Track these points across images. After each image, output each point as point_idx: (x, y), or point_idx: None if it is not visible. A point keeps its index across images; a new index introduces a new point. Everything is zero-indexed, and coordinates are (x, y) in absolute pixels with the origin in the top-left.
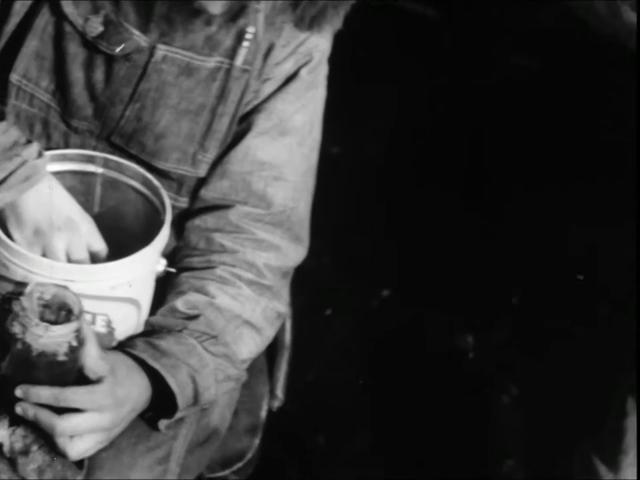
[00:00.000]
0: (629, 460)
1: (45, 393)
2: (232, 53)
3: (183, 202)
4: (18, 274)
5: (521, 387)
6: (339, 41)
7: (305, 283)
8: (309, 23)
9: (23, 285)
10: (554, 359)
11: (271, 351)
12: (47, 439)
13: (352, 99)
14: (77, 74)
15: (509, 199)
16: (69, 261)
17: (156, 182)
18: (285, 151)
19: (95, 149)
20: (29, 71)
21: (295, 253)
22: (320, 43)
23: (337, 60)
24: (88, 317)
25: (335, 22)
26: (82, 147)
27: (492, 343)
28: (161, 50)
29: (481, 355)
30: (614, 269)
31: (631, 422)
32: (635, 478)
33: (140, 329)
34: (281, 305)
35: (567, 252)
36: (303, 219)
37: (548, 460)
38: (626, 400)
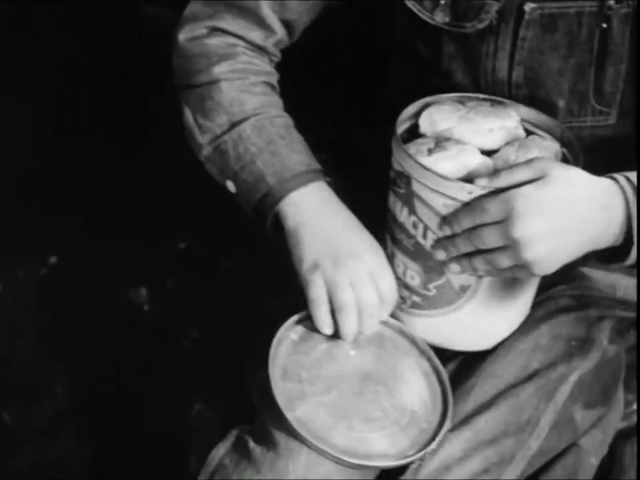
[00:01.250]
0: None
1: None
2: None
3: None
4: None
5: (200, 329)
6: None
7: None
8: None
9: None
10: (229, 298)
11: None
12: None
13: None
14: None
15: (165, 146)
16: None
17: None
18: None
19: None
20: None
21: None
22: None
23: None
24: None
25: None
26: None
27: (165, 292)
28: None
29: (156, 306)
30: None
31: None
32: None
33: None
34: None
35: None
36: None
37: (233, 401)
38: None
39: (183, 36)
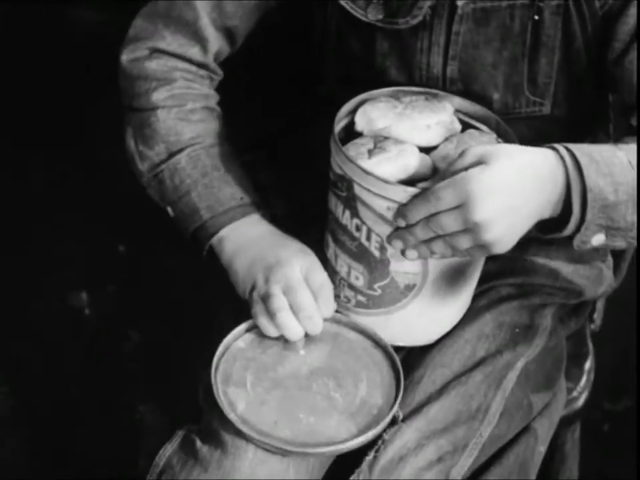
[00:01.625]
0: None
1: None
2: None
3: None
4: None
5: (142, 332)
6: None
7: None
8: None
9: None
10: (171, 299)
11: None
12: None
13: None
14: None
15: (101, 147)
16: None
17: None
18: None
19: None
20: None
21: None
22: None
23: None
24: None
25: None
26: None
27: (105, 295)
28: None
29: (97, 309)
30: None
31: None
32: None
33: None
34: None
35: None
36: None
37: (179, 402)
38: None
39: (125, 57)
